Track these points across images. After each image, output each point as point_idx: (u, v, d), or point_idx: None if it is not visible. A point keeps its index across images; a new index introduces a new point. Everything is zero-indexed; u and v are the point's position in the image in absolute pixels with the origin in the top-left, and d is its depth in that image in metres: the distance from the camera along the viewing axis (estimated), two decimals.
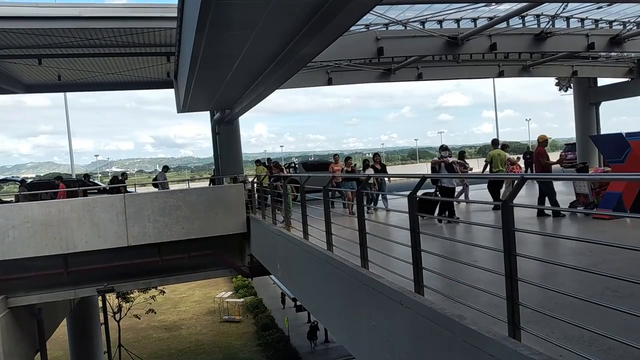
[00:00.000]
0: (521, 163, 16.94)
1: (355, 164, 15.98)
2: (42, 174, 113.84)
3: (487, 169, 12.89)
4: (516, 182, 3.83)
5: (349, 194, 13.01)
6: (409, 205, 4.89)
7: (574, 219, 9.89)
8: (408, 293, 4.69)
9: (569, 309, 3.85)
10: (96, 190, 20.17)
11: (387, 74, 18.39)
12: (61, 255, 13.16)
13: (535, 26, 14.38)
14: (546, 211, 10.02)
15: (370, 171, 13.81)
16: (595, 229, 8.70)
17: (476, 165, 23.38)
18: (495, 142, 13.63)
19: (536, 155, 10.78)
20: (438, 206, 11.45)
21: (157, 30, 14.77)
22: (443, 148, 12.39)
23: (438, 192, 11.48)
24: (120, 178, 22.02)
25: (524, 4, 12.34)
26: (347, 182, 13.87)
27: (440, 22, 13.82)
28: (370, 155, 17.21)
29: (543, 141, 11.14)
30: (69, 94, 40.69)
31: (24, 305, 13.44)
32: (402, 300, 4.69)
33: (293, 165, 25.08)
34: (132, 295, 24.37)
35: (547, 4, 12.84)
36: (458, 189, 13.69)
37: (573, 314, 3.59)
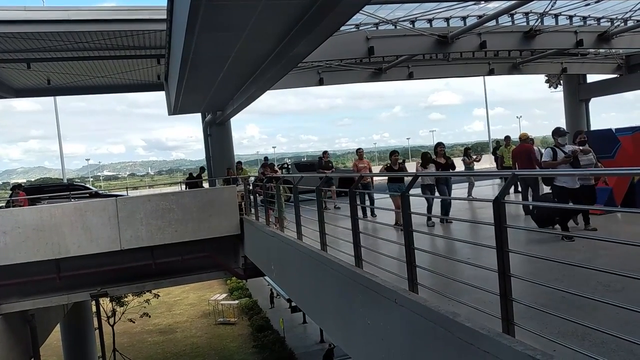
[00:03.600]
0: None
1: (403, 160, 12.61)
2: (32, 179, 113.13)
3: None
4: (508, 179, 3.85)
5: (397, 201, 8.96)
6: (403, 205, 4.90)
7: None
8: (402, 291, 4.70)
9: (562, 304, 3.88)
10: (88, 195, 20.02)
11: (377, 74, 18.44)
12: (53, 261, 13.07)
13: (525, 24, 14.47)
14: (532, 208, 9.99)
15: (432, 168, 10.64)
16: None
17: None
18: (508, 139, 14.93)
19: (527, 152, 10.81)
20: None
21: (146, 33, 14.71)
22: (560, 133, 8.17)
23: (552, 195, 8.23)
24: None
25: (513, 1, 12.41)
26: (392, 184, 10.63)
27: (430, 21, 13.86)
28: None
29: (526, 138, 11.33)
30: (58, 98, 40.43)
31: (17, 311, 13.34)
32: (396, 299, 4.70)
33: (286, 166, 25.08)
34: (126, 299, 24.25)
35: (535, 1, 12.93)
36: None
37: (566, 309, 3.62)
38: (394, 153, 11.27)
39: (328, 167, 16.04)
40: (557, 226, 7.70)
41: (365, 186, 12.16)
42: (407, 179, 10.40)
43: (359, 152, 13.91)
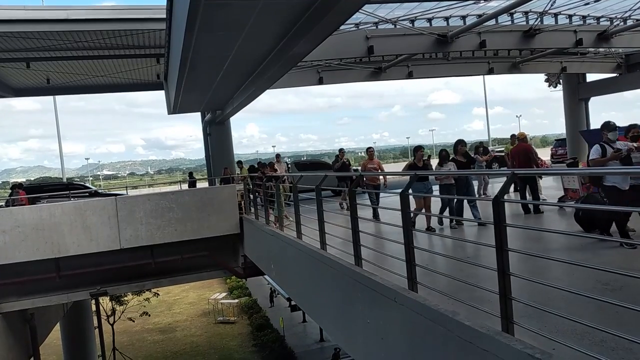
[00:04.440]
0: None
1: (429, 156, 11.42)
2: (32, 178, 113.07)
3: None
4: (507, 178, 3.86)
5: (420, 202, 9.08)
6: (401, 203, 4.90)
7: (565, 214, 9.95)
8: (402, 290, 4.70)
9: (561, 303, 3.89)
10: (87, 194, 20.02)
11: (377, 73, 18.44)
12: (53, 260, 13.06)
13: (524, 23, 14.49)
14: (531, 207, 10.01)
15: (450, 166, 9.65)
16: None
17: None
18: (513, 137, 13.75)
19: (525, 151, 10.82)
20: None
21: (146, 32, 14.72)
22: (610, 127, 7.13)
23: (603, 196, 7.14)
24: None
25: (512, 0, 12.42)
26: (416, 183, 8.94)
27: (429, 20, 13.88)
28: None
29: (524, 138, 11.31)
30: (58, 97, 40.42)
31: (16, 310, 13.33)
32: (396, 298, 4.70)
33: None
34: (125, 298, 24.24)
35: (535, 0, 12.94)
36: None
37: (565, 307, 3.62)
38: (419, 149, 9.89)
39: (345, 167, 14.85)
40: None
41: (376, 188, 11.37)
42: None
43: (369, 151, 12.76)
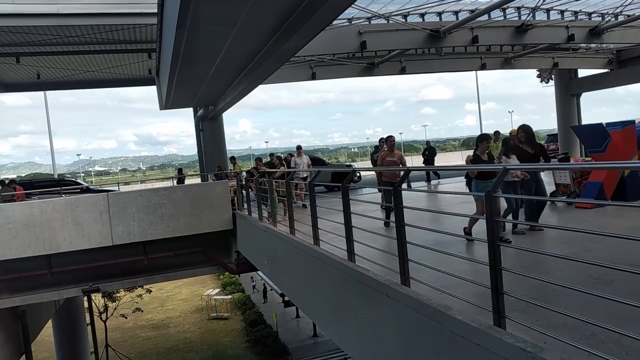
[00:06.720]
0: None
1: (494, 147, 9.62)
2: (23, 175, 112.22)
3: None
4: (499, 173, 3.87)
5: (479, 205, 7.01)
6: (394, 198, 4.90)
7: (556, 209, 10.02)
8: (394, 285, 4.71)
9: (552, 297, 3.91)
10: (79, 190, 19.88)
11: (370, 68, 18.44)
12: (45, 256, 12.97)
13: (516, 18, 14.52)
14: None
15: (515, 160, 7.99)
16: (577, 218, 8.81)
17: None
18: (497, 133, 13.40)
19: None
20: None
21: (137, 27, 14.60)
22: None
23: None
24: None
25: None
26: (480, 181, 7.53)
27: (422, 15, 13.88)
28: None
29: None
30: (49, 92, 39.97)
31: (8, 307, 13.24)
32: (388, 292, 4.72)
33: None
34: (118, 295, 24.17)
35: None
36: None
37: (557, 301, 3.64)
38: (484, 138, 7.87)
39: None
40: None
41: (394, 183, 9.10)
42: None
43: (390, 141, 10.25)
